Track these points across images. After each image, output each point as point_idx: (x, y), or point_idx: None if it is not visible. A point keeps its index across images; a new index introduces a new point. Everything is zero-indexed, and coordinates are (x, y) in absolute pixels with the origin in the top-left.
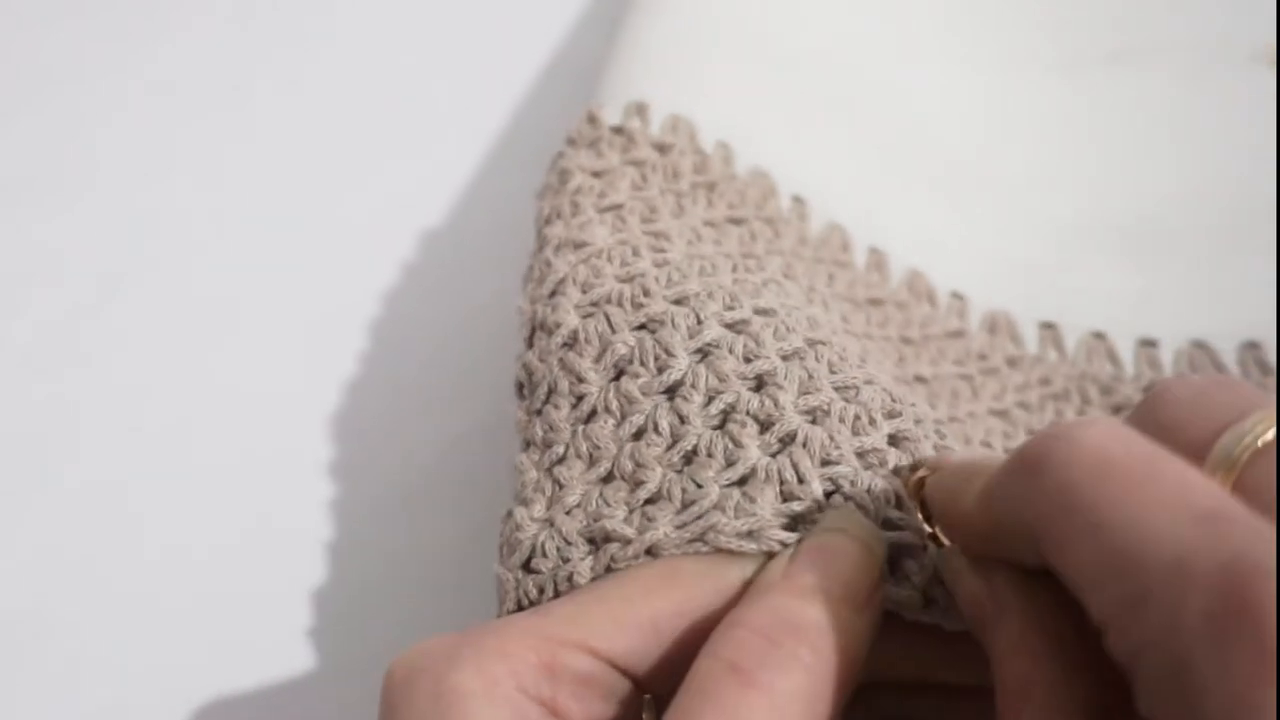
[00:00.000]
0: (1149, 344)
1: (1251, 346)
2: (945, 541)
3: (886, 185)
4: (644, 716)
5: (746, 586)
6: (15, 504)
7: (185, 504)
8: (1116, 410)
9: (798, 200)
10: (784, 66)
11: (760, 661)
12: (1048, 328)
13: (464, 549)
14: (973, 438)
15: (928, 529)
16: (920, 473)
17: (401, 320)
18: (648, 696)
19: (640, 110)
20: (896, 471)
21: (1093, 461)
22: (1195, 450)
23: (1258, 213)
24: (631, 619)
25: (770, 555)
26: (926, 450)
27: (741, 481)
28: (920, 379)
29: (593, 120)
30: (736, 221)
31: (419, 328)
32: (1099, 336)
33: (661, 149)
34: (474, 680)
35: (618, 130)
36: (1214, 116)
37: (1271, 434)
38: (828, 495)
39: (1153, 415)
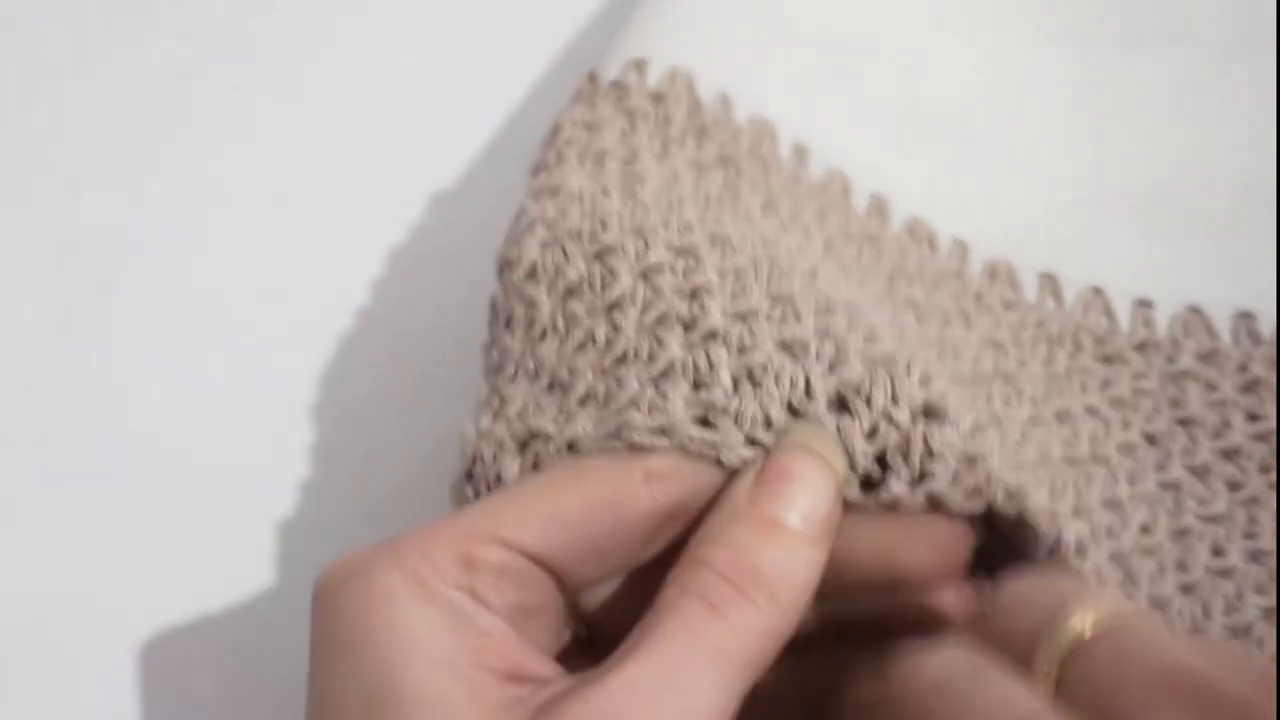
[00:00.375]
0: (1145, 304)
1: (1246, 316)
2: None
3: (894, 141)
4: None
5: (647, 475)
6: (15, 504)
7: (185, 504)
8: (1107, 361)
9: (799, 148)
10: (796, 31)
11: (723, 598)
12: (1047, 278)
13: None
14: (962, 355)
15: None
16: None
17: (403, 320)
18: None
19: (639, 65)
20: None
21: (928, 684)
22: (1025, 659)
23: (1263, 189)
24: (539, 512)
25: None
26: (854, 342)
27: (661, 377)
28: (911, 302)
29: (592, 79)
30: (724, 161)
31: (420, 328)
32: (1097, 291)
33: (656, 98)
34: (399, 581)
35: (615, 84)
36: (1225, 96)
37: (1086, 630)
38: (735, 383)
39: (990, 625)
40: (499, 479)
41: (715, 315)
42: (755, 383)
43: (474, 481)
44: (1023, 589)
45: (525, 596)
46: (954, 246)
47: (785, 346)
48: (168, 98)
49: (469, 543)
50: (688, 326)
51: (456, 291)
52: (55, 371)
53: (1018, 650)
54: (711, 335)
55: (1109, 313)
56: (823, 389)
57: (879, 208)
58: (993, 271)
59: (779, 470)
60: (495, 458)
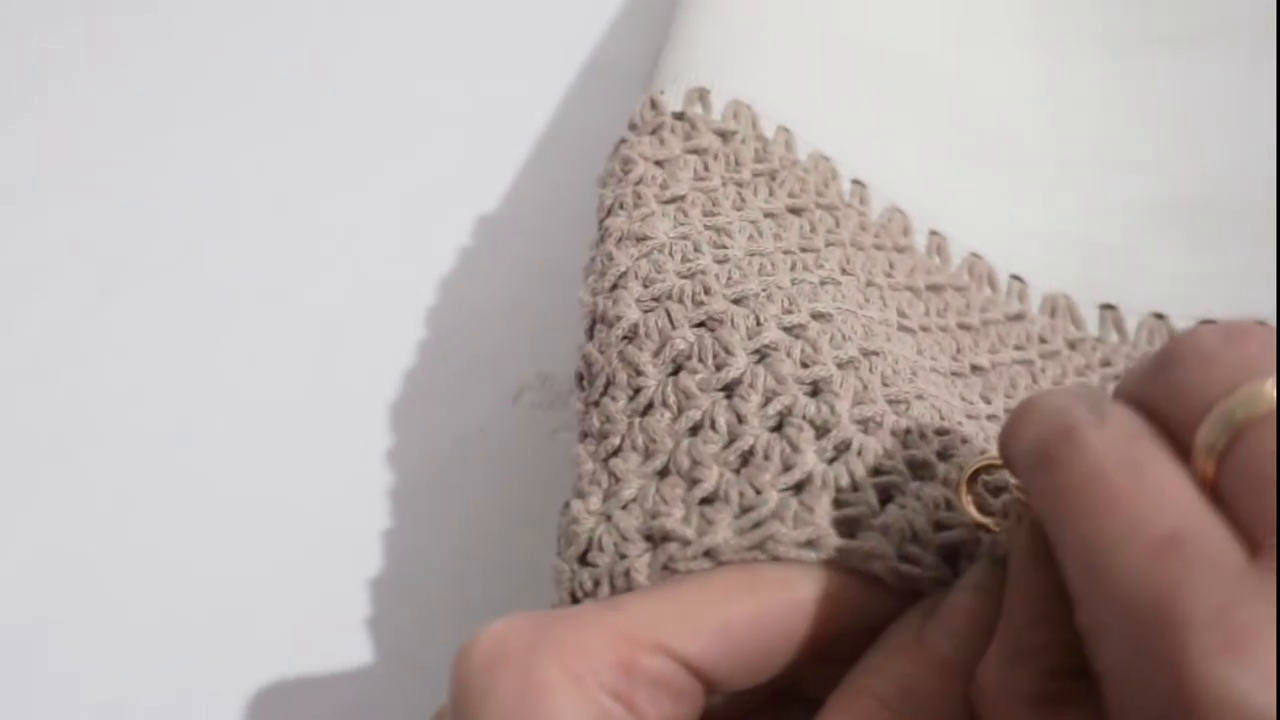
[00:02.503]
0: (1209, 324)
1: None
2: (994, 529)
3: (945, 168)
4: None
5: (817, 601)
6: (15, 504)
7: (185, 504)
8: None
9: (858, 184)
10: (842, 50)
11: None
12: (1108, 309)
13: (477, 542)
14: None
15: (978, 518)
16: (981, 460)
17: (403, 320)
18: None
19: (702, 96)
20: (945, 477)
21: (1086, 474)
22: (1190, 426)
23: None
24: (709, 623)
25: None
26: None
27: (798, 488)
28: (977, 369)
29: (654, 106)
30: (796, 211)
31: (422, 327)
32: (1160, 317)
33: (724, 135)
34: (560, 675)
35: (679, 116)
36: (1269, 97)
37: (1265, 409)
38: (882, 503)
39: (1162, 375)
40: (628, 576)
41: (846, 422)
42: (898, 503)
43: (591, 568)
44: (1206, 340)
45: (678, 710)
46: (1012, 283)
47: (913, 465)
48: (187, 98)
49: (632, 647)
50: (819, 430)
51: (457, 290)
52: (57, 372)
53: (1183, 415)
54: (845, 446)
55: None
56: (963, 488)
57: (938, 246)
58: (1053, 308)
59: (956, 610)
60: (619, 550)
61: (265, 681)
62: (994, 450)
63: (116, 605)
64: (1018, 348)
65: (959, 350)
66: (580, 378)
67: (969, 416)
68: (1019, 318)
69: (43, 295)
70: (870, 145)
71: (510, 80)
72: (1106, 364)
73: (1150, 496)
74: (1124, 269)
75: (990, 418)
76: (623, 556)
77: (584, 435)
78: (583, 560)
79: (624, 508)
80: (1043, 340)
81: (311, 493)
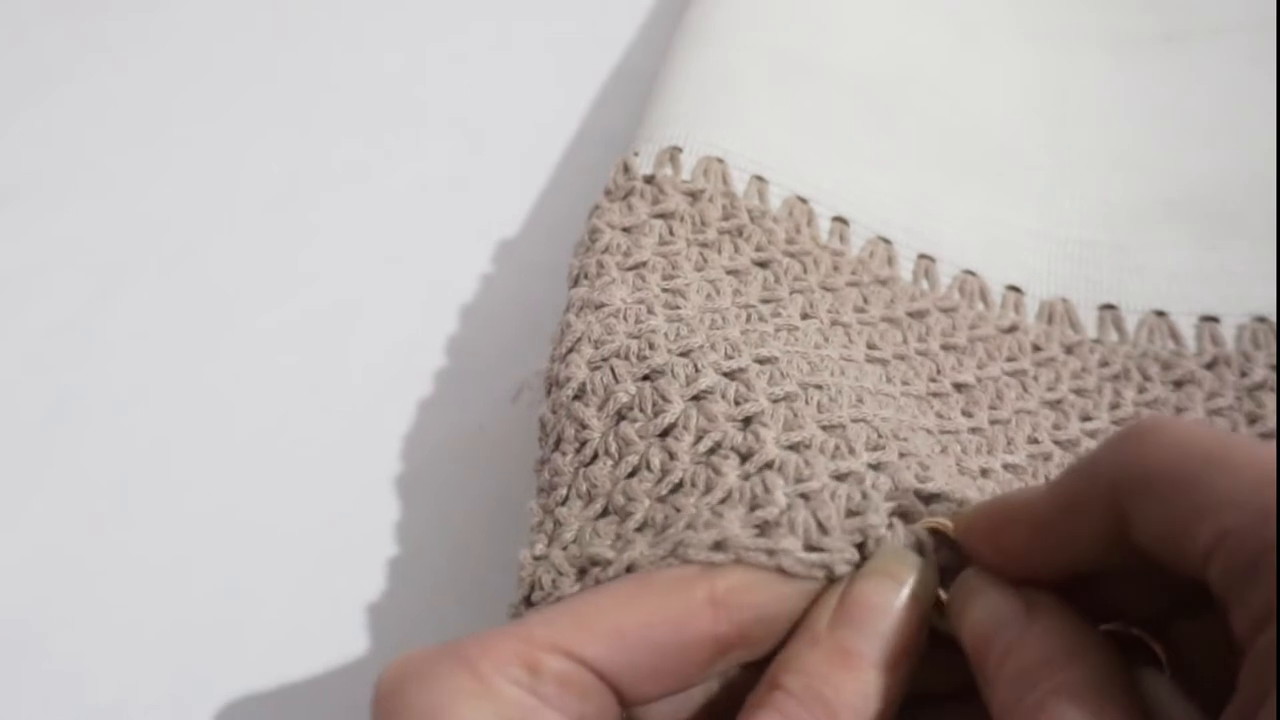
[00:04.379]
0: (1210, 319)
1: None
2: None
3: (939, 182)
4: None
5: (711, 599)
6: (15, 504)
7: (184, 504)
8: (1178, 385)
9: (839, 221)
10: (829, 80)
11: None
12: (1108, 309)
13: (476, 541)
14: (1015, 438)
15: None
16: (933, 523)
17: (403, 320)
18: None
19: (673, 157)
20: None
21: (1185, 428)
22: None
23: None
24: (600, 626)
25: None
26: (907, 479)
27: (718, 504)
28: (961, 386)
29: (626, 169)
30: (763, 264)
31: (422, 327)
32: (1160, 315)
33: (692, 195)
34: (466, 681)
35: (649, 180)
36: (1270, 94)
37: None
38: (789, 503)
39: None
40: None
41: (771, 446)
42: (810, 501)
43: (533, 606)
44: None
45: (586, 709)
46: (1008, 294)
47: (840, 478)
48: (185, 99)
49: (532, 649)
50: (744, 456)
51: (457, 292)
52: (57, 372)
53: None
54: (768, 465)
55: (1175, 335)
56: (882, 508)
57: (926, 270)
58: (1050, 314)
59: (858, 599)
60: (554, 583)
61: (263, 683)
62: (968, 461)
63: (115, 606)
64: (1010, 359)
65: (939, 371)
66: (540, 440)
67: (944, 432)
68: (1012, 329)
69: (43, 295)
70: (852, 177)
71: (512, 81)
72: (1105, 364)
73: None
74: (1123, 269)
75: (973, 430)
76: (556, 588)
77: (538, 491)
78: (527, 601)
79: (564, 549)
80: (1037, 348)
81: (311, 492)
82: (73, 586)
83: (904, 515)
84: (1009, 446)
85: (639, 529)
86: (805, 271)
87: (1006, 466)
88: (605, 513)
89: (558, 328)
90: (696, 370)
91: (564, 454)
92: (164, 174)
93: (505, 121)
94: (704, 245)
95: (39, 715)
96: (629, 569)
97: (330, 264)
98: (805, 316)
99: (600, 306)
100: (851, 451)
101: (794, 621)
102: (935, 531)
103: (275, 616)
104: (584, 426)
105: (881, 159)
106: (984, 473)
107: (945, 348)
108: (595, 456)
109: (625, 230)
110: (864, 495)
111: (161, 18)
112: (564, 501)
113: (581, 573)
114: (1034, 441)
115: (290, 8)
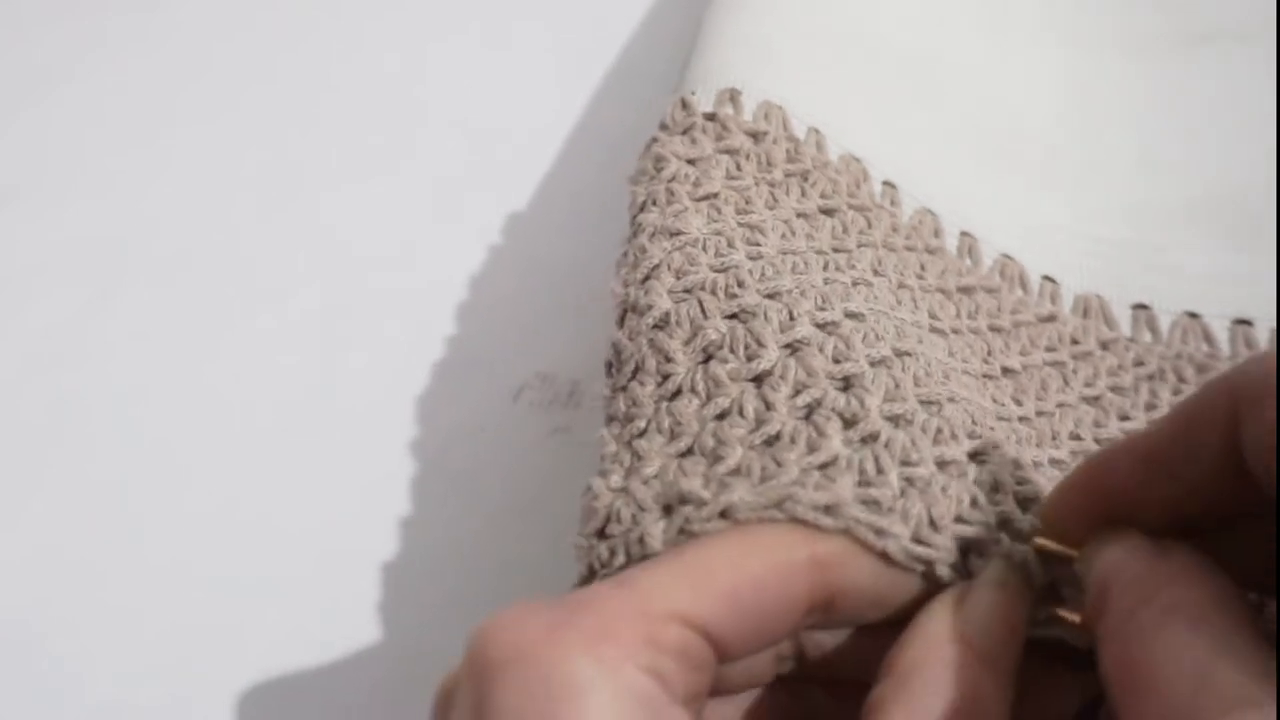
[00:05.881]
0: (1244, 323)
1: None
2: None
3: (973, 169)
4: None
5: (813, 561)
6: (15, 504)
7: (185, 503)
8: None
9: (889, 185)
10: (873, 52)
11: None
12: (1141, 309)
13: (476, 540)
14: (1059, 432)
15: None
16: (1042, 544)
17: (404, 320)
18: None
19: (733, 97)
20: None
21: None
22: None
23: None
24: (715, 588)
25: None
26: (1005, 478)
27: (822, 467)
28: (1009, 371)
29: (685, 106)
30: (829, 212)
31: (422, 327)
32: (1193, 316)
33: (755, 136)
34: (590, 668)
35: (710, 117)
36: None
37: None
38: (902, 489)
39: None
40: (642, 542)
41: (876, 416)
42: (921, 491)
43: (609, 540)
44: None
45: (699, 679)
46: (1044, 284)
47: (943, 465)
48: (180, 101)
49: (652, 622)
50: (847, 422)
51: (456, 292)
52: (57, 373)
53: None
54: (874, 437)
55: (1208, 337)
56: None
57: (969, 248)
58: (1086, 309)
59: (992, 611)
60: (635, 519)
61: (264, 681)
62: (1023, 452)
63: (115, 606)
64: (1049, 349)
65: (990, 353)
66: (609, 366)
67: (1000, 419)
68: (1051, 319)
69: (43, 295)
70: (899, 147)
71: (512, 82)
72: (1140, 364)
73: None
74: (1156, 269)
75: (1022, 419)
76: (637, 524)
77: (609, 419)
78: (600, 534)
79: (644, 483)
80: (1075, 341)
81: (311, 492)
82: (73, 586)
83: (1006, 523)
84: (1054, 440)
85: (731, 474)
86: (870, 226)
87: (1052, 461)
88: (690, 452)
89: (626, 251)
90: (791, 318)
91: (643, 385)
92: (164, 174)
93: (505, 121)
94: (772, 185)
95: (39, 715)
96: (723, 514)
97: (330, 264)
98: (876, 273)
99: (676, 233)
100: (954, 437)
101: (876, 604)
102: (1041, 550)
103: (275, 616)
104: (668, 359)
105: (922, 134)
106: (1034, 465)
107: (992, 329)
108: (679, 392)
109: (691, 161)
110: (974, 502)
111: (161, 18)
112: (642, 434)
113: (667, 510)
114: (1076, 438)
115: (290, 8)
